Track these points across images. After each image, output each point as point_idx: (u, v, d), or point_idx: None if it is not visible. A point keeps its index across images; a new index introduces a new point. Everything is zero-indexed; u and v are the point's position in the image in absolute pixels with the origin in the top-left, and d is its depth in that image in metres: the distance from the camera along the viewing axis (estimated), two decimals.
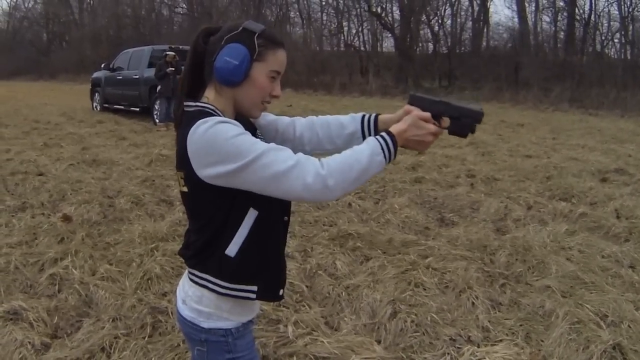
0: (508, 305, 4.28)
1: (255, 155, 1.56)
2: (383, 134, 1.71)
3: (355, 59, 37.29)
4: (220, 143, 1.56)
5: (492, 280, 4.71)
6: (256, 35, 1.70)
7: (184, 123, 1.69)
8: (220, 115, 1.68)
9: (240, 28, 1.71)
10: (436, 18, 36.19)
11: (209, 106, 1.72)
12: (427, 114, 1.80)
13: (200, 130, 1.58)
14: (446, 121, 1.84)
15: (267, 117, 1.97)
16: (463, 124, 1.83)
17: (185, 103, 1.75)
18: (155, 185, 7.95)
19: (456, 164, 9.97)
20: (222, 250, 1.72)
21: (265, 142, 1.63)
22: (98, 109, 19.91)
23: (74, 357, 3.39)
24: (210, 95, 1.77)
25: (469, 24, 36.65)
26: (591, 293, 4.35)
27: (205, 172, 1.60)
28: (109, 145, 11.73)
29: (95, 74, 20.75)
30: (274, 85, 1.77)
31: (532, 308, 4.19)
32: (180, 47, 16.50)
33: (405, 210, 6.67)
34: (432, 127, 1.78)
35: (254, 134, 1.69)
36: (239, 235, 1.71)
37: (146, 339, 3.64)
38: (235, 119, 1.68)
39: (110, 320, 3.83)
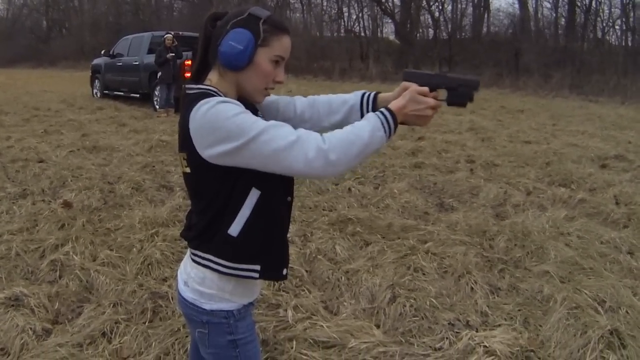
0: (507, 290, 4.30)
1: (257, 132, 1.57)
2: (383, 110, 1.72)
3: (356, 44, 37.18)
4: (221, 122, 1.57)
5: (491, 265, 4.73)
6: (261, 20, 1.71)
7: (185, 105, 1.70)
8: (221, 96, 1.69)
9: (246, 13, 1.72)
10: (436, 4, 36.08)
11: (211, 88, 1.73)
12: (425, 88, 1.80)
13: (202, 110, 1.59)
14: (443, 93, 1.85)
15: (267, 98, 1.98)
16: (461, 93, 1.84)
17: (187, 86, 1.76)
18: (155, 171, 7.96)
19: (456, 150, 9.97)
20: (224, 230, 1.73)
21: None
22: (98, 95, 19.83)
23: (75, 342, 3.41)
24: (213, 78, 1.78)
25: (470, 9, 36.57)
26: (589, 279, 4.37)
27: (208, 151, 1.62)
28: (109, 131, 11.72)
29: (95, 61, 20.65)
30: (277, 71, 1.79)
31: (530, 293, 4.21)
32: (181, 33, 16.46)
33: (404, 195, 6.68)
34: (431, 100, 1.79)
35: (255, 114, 1.69)
36: (241, 215, 1.73)
37: (147, 323, 3.66)
38: (240, 103, 1.69)
39: (111, 305, 3.84)
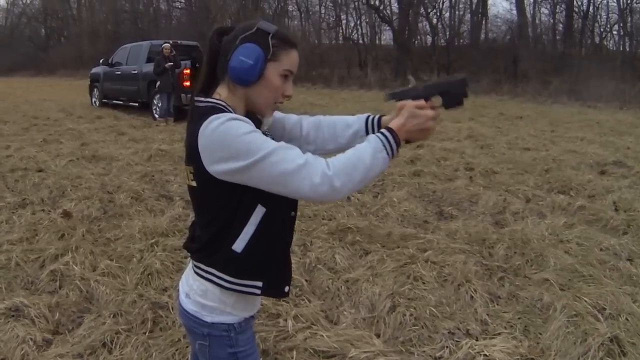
0: (506, 299, 4.31)
1: (265, 153, 1.58)
2: (383, 130, 1.73)
3: (354, 52, 37.22)
4: (231, 139, 1.58)
5: (491, 274, 4.74)
6: (270, 35, 1.72)
7: (195, 118, 1.70)
8: (231, 112, 1.70)
9: (255, 28, 1.73)
10: (434, 10, 36.16)
11: (221, 102, 1.74)
12: (421, 102, 1.80)
13: (212, 126, 1.60)
14: (437, 100, 1.86)
15: (274, 115, 1.98)
16: (454, 93, 1.85)
17: (196, 99, 1.77)
18: (154, 181, 7.98)
19: (455, 157, 9.97)
20: (228, 245, 1.74)
21: (273, 139, 1.65)
22: (97, 104, 19.84)
23: (75, 352, 3.41)
24: (222, 93, 1.79)
25: (468, 16, 36.65)
26: (589, 286, 4.37)
27: (215, 167, 1.62)
28: (108, 140, 11.74)
29: (94, 70, 20.67)
30: (286, 85, 1.80)
31: (530, 301, 4.21)
32: (179, 41, 16.51)
33: (404, 204, 6.68)
34: (429, 112, 1.79)
35: (262, 132, 1.70)
36: (246, 232, 1.73)
37: (147, 334, 3.66)
38: (246, 117, 1.70)
39: (111, 315, 3.85)
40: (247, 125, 1.61)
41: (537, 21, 33.55)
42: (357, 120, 1.98)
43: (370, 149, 1.66)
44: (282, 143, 1.64)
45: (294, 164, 1.58)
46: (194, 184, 1.75)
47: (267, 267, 1.80)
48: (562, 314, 3.85)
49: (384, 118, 1.96)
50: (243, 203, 1.71)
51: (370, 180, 1.72)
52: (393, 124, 1.75)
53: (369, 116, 1.98)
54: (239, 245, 1.73)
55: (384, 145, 1.68)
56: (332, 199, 1.65)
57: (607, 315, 3.88)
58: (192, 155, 1.68)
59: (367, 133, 1.94)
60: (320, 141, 2.00)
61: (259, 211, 1.73)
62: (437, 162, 9.59)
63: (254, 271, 1.78)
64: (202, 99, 1.76)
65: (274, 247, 1.82)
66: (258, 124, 1.85)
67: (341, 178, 1.60)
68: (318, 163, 1.61)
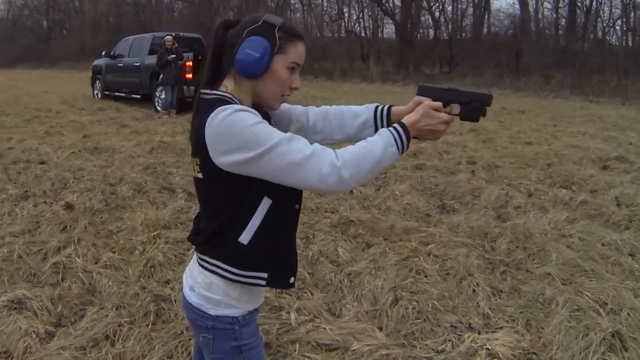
0: (508, 293, 4.31)
1: (273, 144, 1.58)
2: (396, 125, 1.73)
3: (356, 45, 37.16)
4: (238, 131, 1.58)
5: (493, 268, 4.74)
6: (277, 28, 1.72)
7: (201, 110, 1.70)
8: (238, 104, 1.70)
9: (261, 21, 1.72)
10: (437, 4, 36.06)
11: (227, 94, 1.74)
12: (438, 104, 1.81)
13: (219, 117, 1.60)
14: (456, 108, 1.86)
15: (281, 106, 1.99)
16: (474, 108, 1.85)
17: (202, 91, 1.76)
18: (157, 173, 7.98)
19: (457, 151, 9.97)
20: (234, 237, 1.74)
21: (280, 131, 1.65)
22: (99, 96, 19.82)
23: (78, 345, 3.41)
24: (229, 85, 1.78)
25: (470, 10, 36.53)
26: (591, 281, 4.37)
27: (222, 159, 1.62)
28: (110, 132, 11.73)
29: (96, 62, 20.63)
30: (293, 77, 1.80)
31: (532, 295, 4.21)
32: (181, 34, 16.51)
33: (406, 197, 6.68)
34: (444, 115, 1.80)
35: (269, 123, 1.70)
36: (252, 223, 1.73)
37: (150, 326, 3.66)
38: (254, 109, 1.69)
39: (114, 308, 3.85)
40: (254, 117, 1.61)
41: (539, 15, 33.50)
42: (365, 110, 1.98)
43: (381, 142, 1.67)
44: (289, 134, 1.63)
45: (301, 155, 1.58)
46: (200, 176, 1.75)
47: (272, 258, 1.80)
48: (564, 309, 3.86)
49: (394, 108, 1.96)
50: (249, 195, 1.71)
51: (377, 173, 1.72)
52: (406, 120, 1.76)
53: (377, 106, 1.98)
54: (245, 238, 1.73)
55: (395, 140, 1.69)
56: (340, 189, 1.65)
57: (609, 310, 3.88)
58: (199, 147, 1.67)
59: (376, 123, 1.94)
60: (328, 131, 2.00)
61: (266, 203, 1.73)
62: (440, 155, 9.59)
63: (260, 263, 1.78)
64: (209, 91, 1.76)
65: (280, 239, 1.82)
66: (266, 117, 1.84)
67: (350, 169, 1.60)
68: (326, 153, 1.61)
